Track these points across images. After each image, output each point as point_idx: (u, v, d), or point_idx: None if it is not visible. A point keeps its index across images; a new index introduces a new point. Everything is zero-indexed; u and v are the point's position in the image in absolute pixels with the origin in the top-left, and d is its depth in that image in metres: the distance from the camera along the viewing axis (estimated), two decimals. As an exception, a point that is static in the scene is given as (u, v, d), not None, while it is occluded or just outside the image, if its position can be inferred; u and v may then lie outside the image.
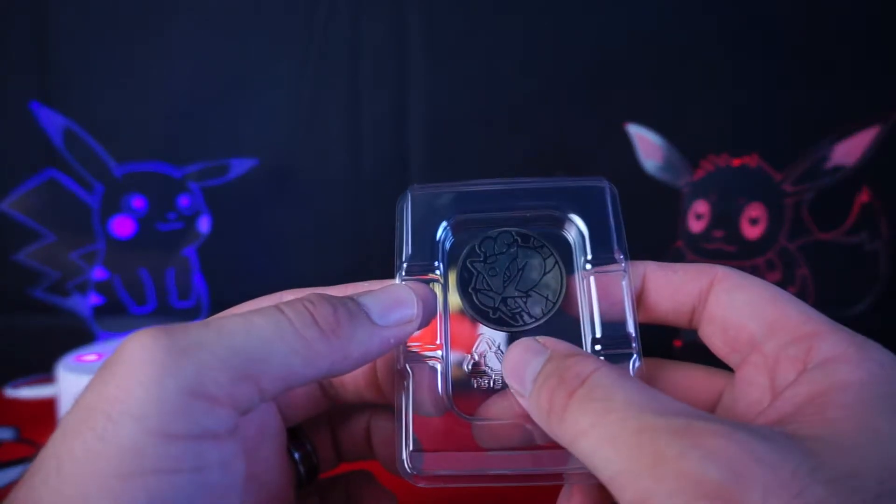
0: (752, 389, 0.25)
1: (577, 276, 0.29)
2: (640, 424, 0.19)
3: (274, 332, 0.22)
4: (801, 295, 0.60)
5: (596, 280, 0.28)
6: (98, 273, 0.62)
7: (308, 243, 0.73)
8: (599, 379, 0.21)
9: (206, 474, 0.20)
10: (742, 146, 0.63)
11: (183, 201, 0.64)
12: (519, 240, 0.29)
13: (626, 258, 0.28)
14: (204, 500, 0.20)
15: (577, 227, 0.29)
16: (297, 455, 0.31)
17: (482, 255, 0.29)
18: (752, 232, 0.60)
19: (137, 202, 0.62)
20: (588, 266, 0.28)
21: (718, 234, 0.60)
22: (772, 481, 0.17)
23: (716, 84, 0.69)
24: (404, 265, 0.29)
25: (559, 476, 0.26)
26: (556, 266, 0.29)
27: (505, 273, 0.29)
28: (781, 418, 0.21)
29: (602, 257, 0.28)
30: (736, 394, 0.26)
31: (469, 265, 0.29)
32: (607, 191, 0.30)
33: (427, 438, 0.26)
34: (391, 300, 0.26)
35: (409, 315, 0.26)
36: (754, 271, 0.60)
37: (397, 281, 0.28)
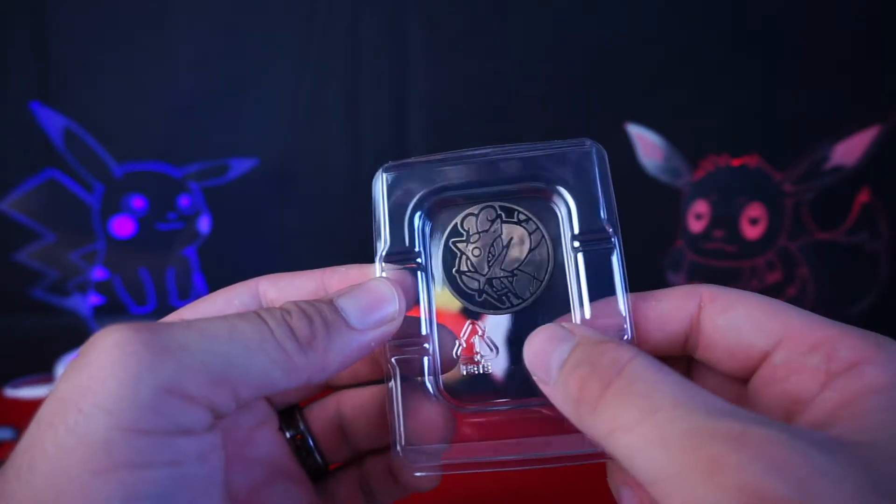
0: (769, 401, 0.23)
1: (565, 251, 0.27)
2: (691, 426, 0.18)
3: (256, 341, 0.22)
4: (801, 295, 0.60)
5: (584, 256, 0.26)
6: (98, 273, 0.62)
7: (308, 243, 0.73)
8: (637, 371, 0.20)
9: (183, 468, 0.20)
10: (742, 146, 0.62)
11: (183, 201, 0.64)
12: (503, 214, 0.27)
13: (615, 230, 0.26)
14: (183, 492, 0.20)
15: (563, 197, 0.27)
16: (288, 434, 0.29)
17: (465, 233, 0.28)
18: (752, 232, 0.60)
19: (137, 202, 0.62)
20: (576, 242, 0.26)
21: (718, 234, 0.60)
22: (838, 497, 0.16)
23: (716, 84, 0.69)
24: (383, 251, 0.27)
25: (545, 461, 0.25)
26: (543, 241, 0.27)
27: (489, 252, 0.27)
28: (817, 427, 0.20)
29: (589, 231, 0.26)
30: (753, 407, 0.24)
31: (452, 245, 0.28)
32: (593, 154, 0.27)
33: (418, 432, 0.26)
34: (370, 300, 0.24)
35: (390, 314, 0.25)
36: (754, 271, 0.60)
37: (377, 266, 0.27)
